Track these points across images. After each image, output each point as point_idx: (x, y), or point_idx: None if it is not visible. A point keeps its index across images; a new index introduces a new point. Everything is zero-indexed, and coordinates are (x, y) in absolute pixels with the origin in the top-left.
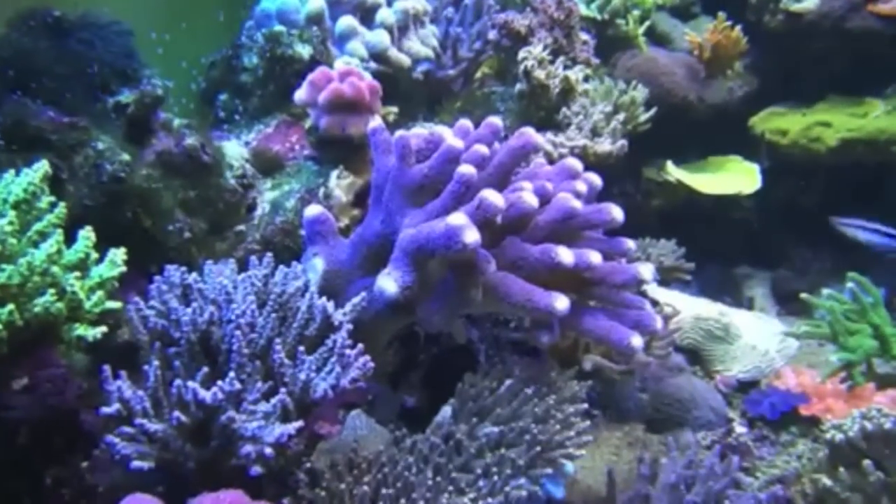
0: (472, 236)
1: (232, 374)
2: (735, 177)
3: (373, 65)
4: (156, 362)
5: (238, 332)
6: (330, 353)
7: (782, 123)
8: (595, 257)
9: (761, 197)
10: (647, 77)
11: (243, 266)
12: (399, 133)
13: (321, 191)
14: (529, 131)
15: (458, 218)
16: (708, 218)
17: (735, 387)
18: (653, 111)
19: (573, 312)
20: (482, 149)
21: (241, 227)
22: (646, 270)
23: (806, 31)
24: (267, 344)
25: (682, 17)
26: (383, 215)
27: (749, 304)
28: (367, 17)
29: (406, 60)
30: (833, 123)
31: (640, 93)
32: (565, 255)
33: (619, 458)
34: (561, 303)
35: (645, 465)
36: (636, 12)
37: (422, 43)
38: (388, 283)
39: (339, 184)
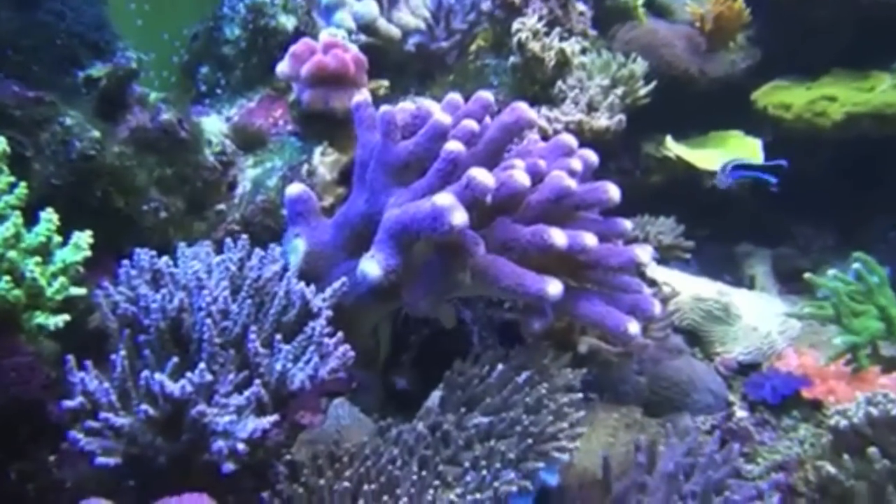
0: (459, 217)
1: (202, 364)
2: (735, 152)
3: (362, 37)
4: (123, 351)
5: (209, 321)
6: (308, 342)
7: (786, 97)
8: (590, 239)
9: None
10: (647, 49)
11: (222, 248)
12: (384, 108)
13: (304, 168)
14: (522, 106)
15: (444, 198)
16: (708, 194)
17: (735, 369)
18: (652, 85)
19: (567, 297)
20: (471, 124)
21: (222, 207)
22: (643, 253)
23: (811, 0)
24: (242, 332)
25: None
26: (367, 194)
27: (750, 283)
28: None
29: (396, 32)
30: (838, 97)
31: (639, 66)
32: (558, 236)
33: (616, 439)
34: (553, 287)
35: (642, 452)
36: None
37: (412, 14)
38: (372, 266)
39: (324, 161)
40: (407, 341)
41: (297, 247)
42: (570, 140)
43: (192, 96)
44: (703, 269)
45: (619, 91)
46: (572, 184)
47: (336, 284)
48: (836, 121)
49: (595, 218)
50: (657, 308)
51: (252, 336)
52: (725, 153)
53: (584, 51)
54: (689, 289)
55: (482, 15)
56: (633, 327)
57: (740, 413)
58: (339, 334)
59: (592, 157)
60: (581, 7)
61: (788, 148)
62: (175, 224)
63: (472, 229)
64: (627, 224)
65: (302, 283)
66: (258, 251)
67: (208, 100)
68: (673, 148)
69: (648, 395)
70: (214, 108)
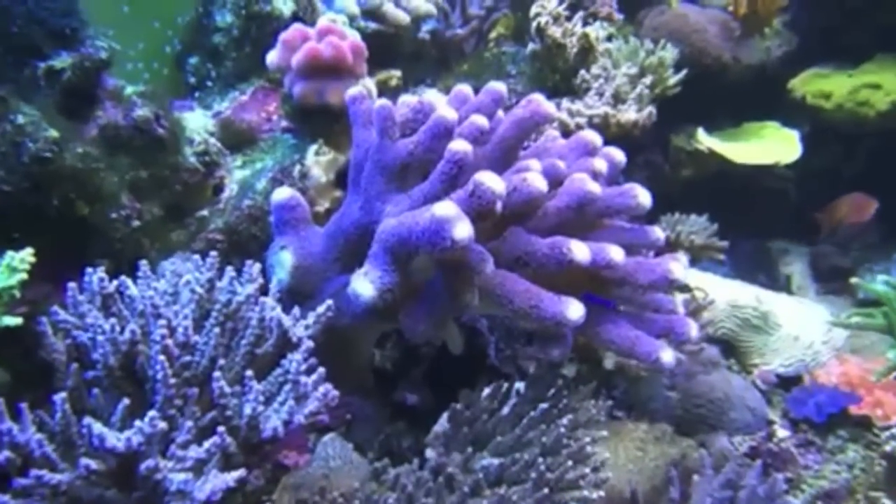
0: (462, 231)
1: (153, 412)
2: (773, 145)
3: (371, 24)
4: (63, 394)
5: (163, 358)
6: (284, 380)
7: (826, 86)
8: (616, 253)
9: (800, 166)
10: (677, 35)
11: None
12: (380, 102)
13: (297, 169)
14: (539, 99)
15: (445, 208)
16: (741, 189)
17: (775, 383)
18: (683, 73)
19: (590, 319)
20: (480, 120)
21: (204, 213)
22: (677, 267)
23: None
24: (210, 366)
25: None
26: (362, 200)
27: (786, 282)
28: None
29: (404, 17)
30: (883, 85)
31: (668, 53)
32: (580, 250)
33: (645, 453)
34: (574, 311)
35: (675, 486)
36: None
37: None
38: (364, 285)
39: (318, 161)
40: (417, 353)
41: (284, 260)
42: (594, 137)
43: (182, 89)
44: (737, 268)
45: (648, 80)
46: (596, 188)
47: (320, 309)
48: (881, 110)
49: (622, 226)
50: (694, 330)
51: (217, 374)
52: (761, 146)
53: (609, 37)
54: (725, 294)
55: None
56: (667, 356)
57: (781, 432)
58: (321, 370)
59: (619, 156)
60: None
61: (828, 139)
62: (150, 234)
63: (481, 242)
64: (659, 233)
65: (278, 309)
66: (230, 270)
67: (198, 93)
68: (705, 140)
69: (681, 412)
70: (204, 102)
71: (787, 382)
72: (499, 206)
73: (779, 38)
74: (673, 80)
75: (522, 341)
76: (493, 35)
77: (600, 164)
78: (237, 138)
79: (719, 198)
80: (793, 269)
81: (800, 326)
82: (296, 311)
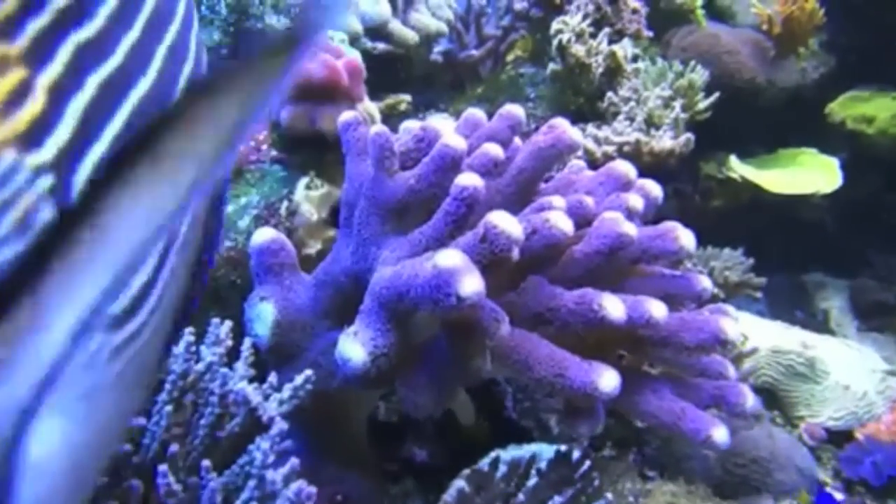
0: (470, 285)
1: None
2: (811, 173)
3: (379, 45)
4: None
5: None
6: (247, 475)
7: (867, 109)
8: (657, 309)
9: (838, 195)
10: (708, 56)
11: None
12: (375, 128)
13: (284, 205)
14: (562, 124)
15: (450, 257)
16: (775, 220)
17: (824, 438)
18: (714, 97)
19: (626, 388)
20: (494, 150)
21: None
22: (730, 326)
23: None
24: (161, 450)
25: None
26: (354, 244)
27: (824, 318)
28: None
29: (412, 35)
30: None
31: (699, 75)
32: (613, 306)
33: None
34: (607, 380)
35: None
36: None
37: (433, 15)
38: (354, 348)
39: (309, 196)
40: None
41: (264, 314)
42: (627, 169)
43: None
44: (772, 304)
45: (678, 104)
46: (631, 230)
47: (298, 380)
48: None
49: (661, 274)
50: (749, 400)
51: (164, 469)
52: (798, 174)
53: (635, 58)
54: (765, 337)
55: (518, 18)
56: (720, 434)
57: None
58: (293, 462)
59: (655, 190)
60: (634, 3)
61: (868, 166)
62: None
63: (493, 296)
64: (706, 282)
65: (244, 382)
66: (189, 332)
67: None
68: (738, 168)
69: (720, 473)
70: None
71: (839, 437)
72: (515, 252)
73: (815, 58)
74: (704, 104)
75: (543, 392)
76: (510, 58)
77: (635, 201)
78: None
79: (752, 229)
80: (831, 304)
81: (850, 374)
82: (272, 378)
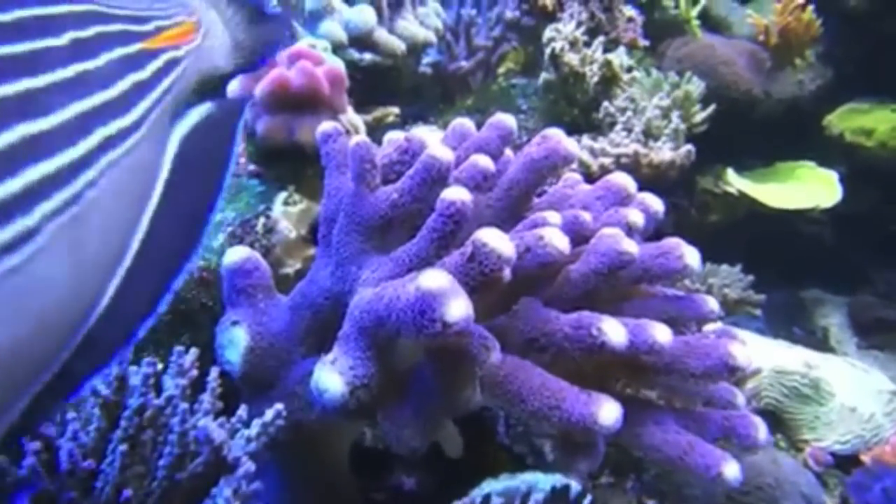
0: (457, 310)
1: None
2: (810, 187)
3: (366, 55)
4: None
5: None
6: None
7: (866, 121)
8: (661, 333)
9: (836, 209)
10: (703, 67)
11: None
12: (356, 139)
13: (261, 222)
14: (556, 134)
15: (435, 279)
16: (772, 235)
17: (831, 463)
18: (711, 109)
19: (627, 419)
20: (483, 162)
21: None
22: (740, 351)
23: (892, 11)
24: (115, 494)
25: None
26: (334, 264)
27: (823, 336)
28: None
29: (399, 45)
30: None
31: (695, 86)
32: (614, 331)
33: None
34: (608, 413)
35: None
36: None
37: (421, 24)
38: (331, 378)
39: (288, 212)
40: None
41: (236, 339)
42: (626, 181)
43: None
44: (770, 321)
45: (677, 114)
46: (632, 247)
47: (268, 415)
48: None
49: (664, 294)
50: (762, 433)
51: None
52: (797, 188)
53: (629, 69)
54: (768, 357)
55: (509, 28)
56: (731, 470)
57: None
58: None
59: (656, 204)
60: (630, 11)
61: (867, 180)
62: None
63: (483, 321)
64: (713, 303)
65: (208, 418)
66: (147, 361)
67: None
68: (735, 182)
69: (723, 501)
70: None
71: (845, 462)
72: (507, 272)
73: (812, 70)
74: (700, 116)
75: (538, 425)
76: (501, 70)
77: (636, 217)
78: None
79: (749, 244)
80: (830, 321)
81: (856, 395)
82: (242, 412)
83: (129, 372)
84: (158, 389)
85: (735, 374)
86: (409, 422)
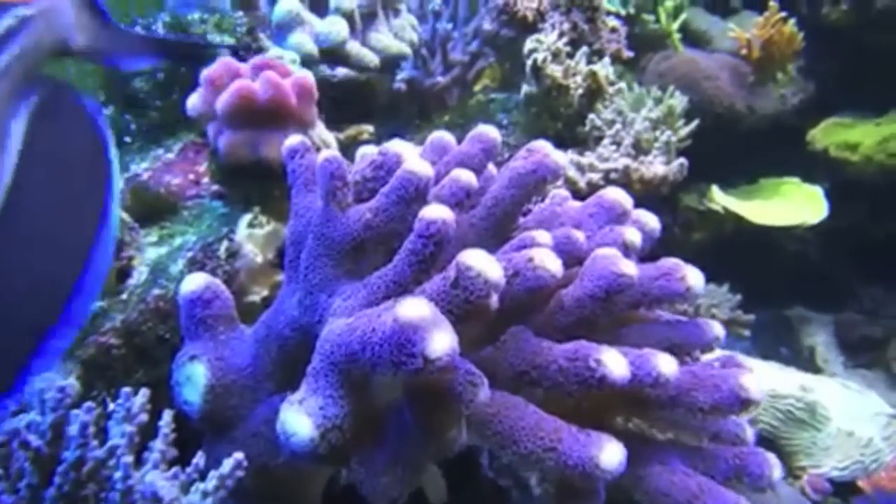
0: (440, 343)
1: None
2: (795, 203)
3: (340, 71)
4: None
5: None
6: None
7: (851, 136)
8: (666, 364)
9: (821, 225)
10: (685, 82)
11: (93, 369)
12: (325, 154)
13: (223, 246)
14: (544, 147)
15: (414, 308)
16: (756, 251)
17: (829, 491)
18: (694, 124)
19: (630, 460)
20: (465, 177)
21: (102, 305)
22: (751, 383)
23: (876, 22)
24: None
25: (719, 11)
26: (302, 291)
27: (810, 355)
28: (318, 2)
29: (372, 58)
30: None
31: (677, 101)
32: (614, 363)
33: None
34: (610, 455)
35: None
36: (669, 3)
37: (395, 36)
38: (298, 420)
39: (253, 234)
40: None
41: (195, 376)
42: (620, 197)
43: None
44: (756, 341)
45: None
46: (630, 269)
47: (226, 467)
48: None
49: (665, 320)
50: (776, 470)
51: None
52: (782, 204)
53: (611, 84)
54: (761, 381)
55: (486, 42)
56: None
57: None
58: None
59: (652, 222)
60: (613, 22)
61: (852, 195)
62: None
63: (469, 353)
64: (718, 329)
65: (156, 472)
66: (87, 406)
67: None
68: (721, 199)
69: None
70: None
71: (844, 489)
72: (494, 299)
73: (793, 85)
74: (684, 132)
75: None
76: (477, 87)
77: (633, 235)
78: (153, 207)
79: (733, 263)
80: (815, 340)
81: (853, 418)
82: (198, 460)
83: (68, 418)
84: (104, 437)
85: (748, 407)
86: (388, 468)
